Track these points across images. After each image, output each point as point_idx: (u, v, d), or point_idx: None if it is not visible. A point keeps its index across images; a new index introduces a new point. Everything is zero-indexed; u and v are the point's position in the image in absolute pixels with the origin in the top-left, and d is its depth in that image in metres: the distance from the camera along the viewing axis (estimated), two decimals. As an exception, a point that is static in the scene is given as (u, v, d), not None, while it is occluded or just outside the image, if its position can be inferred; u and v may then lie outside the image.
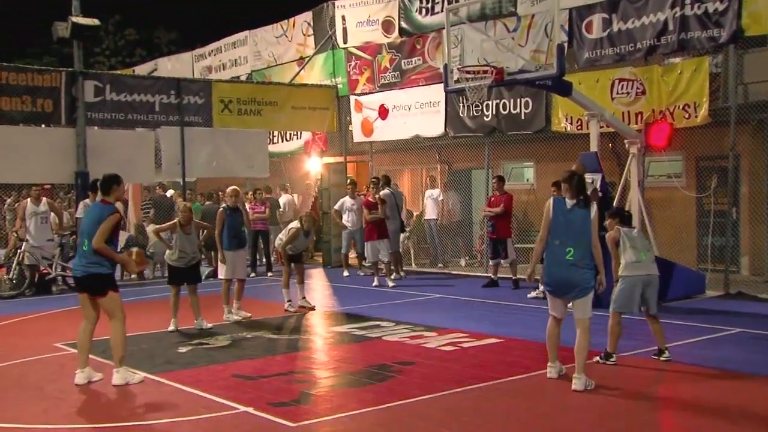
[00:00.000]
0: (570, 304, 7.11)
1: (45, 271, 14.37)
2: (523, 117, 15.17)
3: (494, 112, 15.64)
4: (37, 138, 15.29)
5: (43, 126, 16.17)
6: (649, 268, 7.82)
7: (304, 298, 11.88)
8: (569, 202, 7.07)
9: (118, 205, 7.81)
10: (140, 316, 11.24)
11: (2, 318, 11.57)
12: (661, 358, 7.77)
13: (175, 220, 10.51)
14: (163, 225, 11.27)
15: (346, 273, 16.20)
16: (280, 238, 12.03)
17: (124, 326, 7.52)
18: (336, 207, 16.29)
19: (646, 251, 7.86)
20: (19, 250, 14.10)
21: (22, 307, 12.78)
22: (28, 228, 14.10)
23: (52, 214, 14.51)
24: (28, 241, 14.05)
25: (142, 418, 6.43)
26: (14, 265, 14.03)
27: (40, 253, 14.15)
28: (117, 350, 7.45)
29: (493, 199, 14.06)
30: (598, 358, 7.76)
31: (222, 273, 11.15)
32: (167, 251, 10.75)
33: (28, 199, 14.36)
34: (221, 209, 11.18)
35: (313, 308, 11.74)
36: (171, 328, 10.21)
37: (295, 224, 11.71)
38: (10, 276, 14.02)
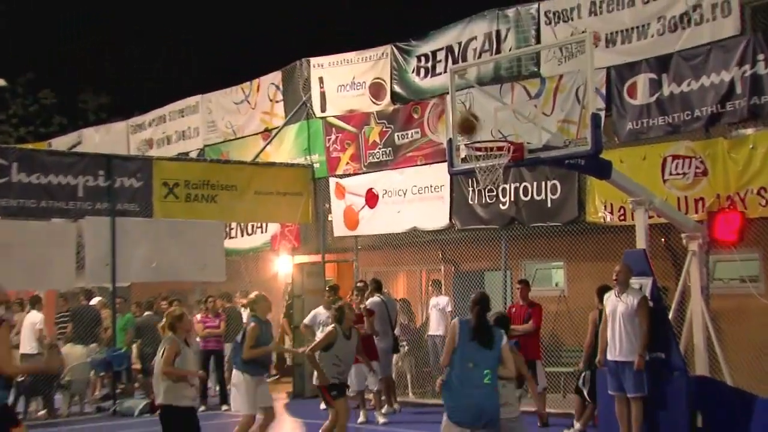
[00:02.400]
0: None
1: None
2: (549, 205, 15.12)
3: (512, 199, 15.61)
4: None
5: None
6: None
7: None
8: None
9: None
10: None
11: None
12: None
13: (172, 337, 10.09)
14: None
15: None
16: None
17: None
18: (306, 321, 15.86)
19: None
20: None
21: None
22: None
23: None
24: None
25: None
26: None
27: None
28: None
29: (514, 310, 13.92)
30: None
31: (241, 406, 10.84)
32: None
33: None
34: (254, 322, 11.06)
35: None
36: None
37: (327, 322, 11.64)
38: None
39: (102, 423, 15.44)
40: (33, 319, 16.42)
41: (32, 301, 16.93)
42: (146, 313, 17.40)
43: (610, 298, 11.37)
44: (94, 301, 18.57)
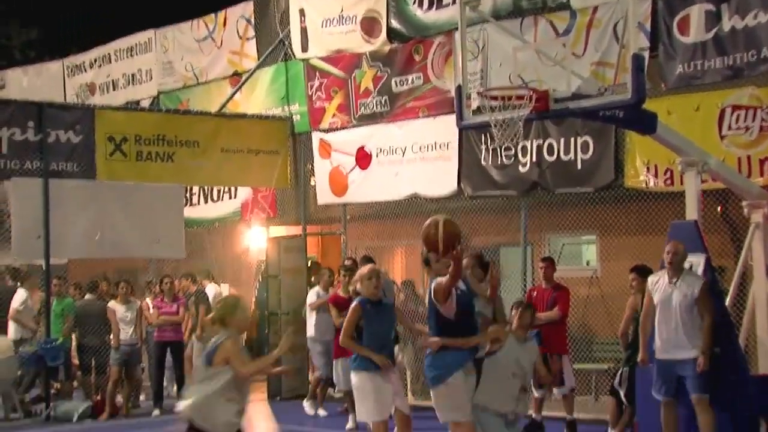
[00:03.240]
0: None
1: None
2: (579, 166, 15.11)
3: (535, 159, 15.62)
4: None
5: None
6: None
7: None
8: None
9: None
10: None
11: None
12: None
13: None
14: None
15: (318, 411, 16.04)
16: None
17: None
18: (310, 302, 16.22)
19: None
20: None
21: None
22: None
23: None
24: None
25: None
26: None
27: None
28: None
29: (536, 293, 13.97)
30: None
31: (368, 413, 10.45)
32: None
33: None
34: (357, 302, 10.63)
35: None
36: None
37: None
38: None
39: (34, 430, 15.50)
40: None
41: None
42: (87, 297, 17.38)
43: (659, 284, 11.24)
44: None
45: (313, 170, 19.03)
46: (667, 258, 11.17)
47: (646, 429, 11.65)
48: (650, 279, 11.44)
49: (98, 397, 16.50)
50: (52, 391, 16.81)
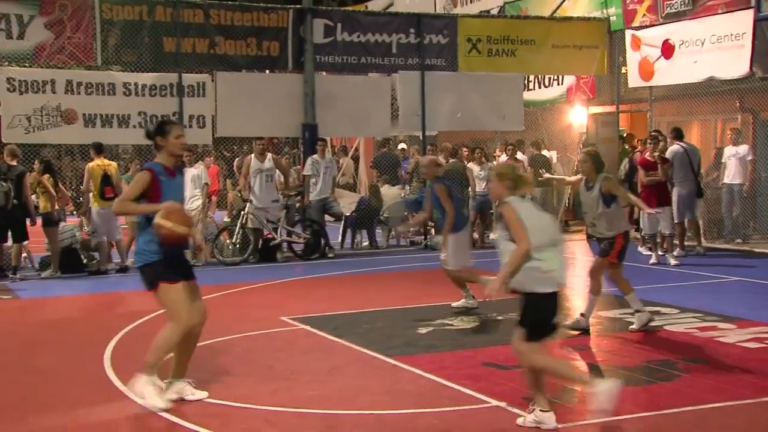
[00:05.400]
0: None
1: (269, 236, 15.23)
2: None
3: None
4: (262, 85, 16.39)
5: (267, 72, 17.21)
6: None
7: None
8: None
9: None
10: (374, 289, 12.11)
11: (225, 286, 12.42)
12: None
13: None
14: None
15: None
16: None
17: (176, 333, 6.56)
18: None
19: None
20: (242, 212, 15.04)
21: (245, 275, 13.75)
22: (252, 187, 14.94)
23: (278, 172, 15.36)
24: (252, 202, 14.92)
25: (376, 406, 6.60)
26: (237, 228, 15.00)
27: (265, 215, 15.00)
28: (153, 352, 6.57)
29: None
30: None
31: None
32: None
33: (252, 155, 15.23)
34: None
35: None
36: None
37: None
38: (233, 240, 15.00)
39: (413, 255, 16.22)
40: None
41: None
42: (451, 161, 17.86)
43: None
44: (401, 146, 19.46)
45: (625, 60, 18.64)
46: None
47: None
48: None
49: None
50: (429, 227, 17.61)
